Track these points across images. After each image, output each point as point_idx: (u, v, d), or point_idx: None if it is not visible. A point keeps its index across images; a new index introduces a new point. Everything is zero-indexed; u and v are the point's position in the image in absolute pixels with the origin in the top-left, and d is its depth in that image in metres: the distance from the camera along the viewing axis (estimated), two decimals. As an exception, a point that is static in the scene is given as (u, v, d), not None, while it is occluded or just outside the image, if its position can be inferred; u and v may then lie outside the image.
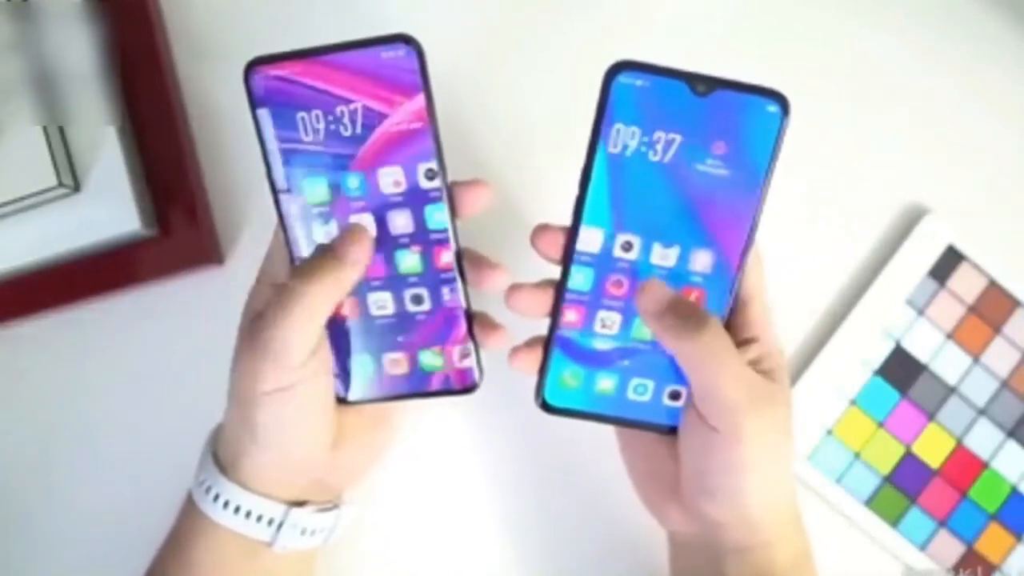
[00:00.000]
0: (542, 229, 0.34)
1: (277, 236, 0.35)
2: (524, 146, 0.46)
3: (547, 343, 0.34)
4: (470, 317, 0.35)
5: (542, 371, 0.35)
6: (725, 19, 0.47)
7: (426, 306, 0.34)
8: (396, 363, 0.35)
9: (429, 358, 0.35)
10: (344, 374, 0.35)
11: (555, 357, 0.34)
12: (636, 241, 0.33)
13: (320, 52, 0.32)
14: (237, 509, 0.34)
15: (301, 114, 0.33)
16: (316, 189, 0.33)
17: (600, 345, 0.34)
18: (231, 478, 0.35)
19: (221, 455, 0.35)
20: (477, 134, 0.45)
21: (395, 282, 0.34)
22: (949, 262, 0.45)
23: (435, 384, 0.35)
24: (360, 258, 0.33)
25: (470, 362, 0.35)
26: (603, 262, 0.33)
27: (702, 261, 0.33)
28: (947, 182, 0.47)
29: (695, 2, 0.47)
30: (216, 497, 0.34)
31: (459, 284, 0.34)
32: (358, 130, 0.33)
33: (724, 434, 0.32)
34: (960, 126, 0.47)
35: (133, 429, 0.44)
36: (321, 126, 0.33)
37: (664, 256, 0.33)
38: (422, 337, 0.35)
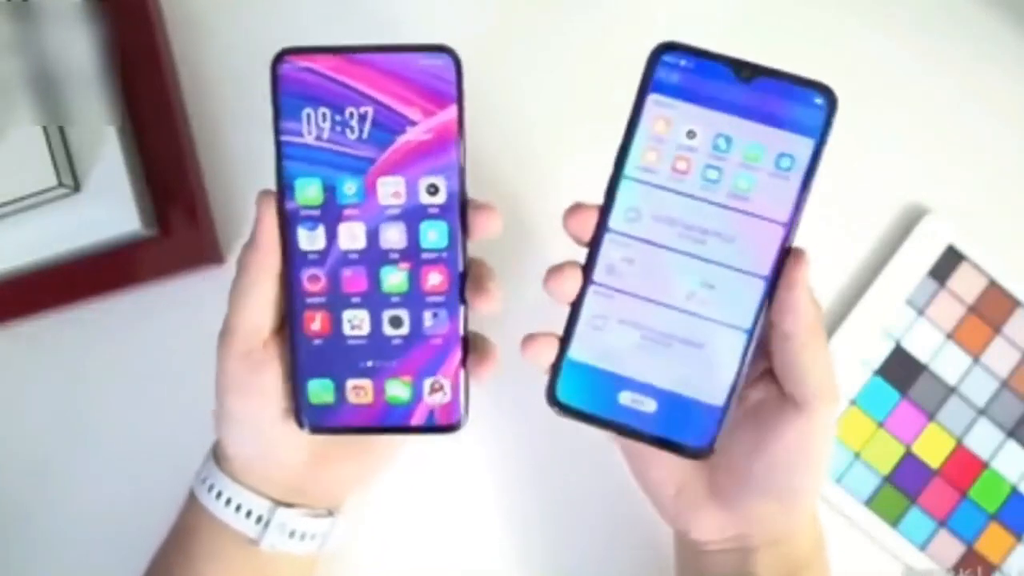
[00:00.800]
0: (577, 208, 0.32)
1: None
2: (524, 146, 0.46)
3: (566, 333, 0.32)
4: (466, 348, 0.32)
5: (556, 364, 0.32)
6: (725, 19, 0.47)
7: (404, 330, 0.32)
8: (361, 391, 0.32)
9: (396, 388, 0.32)
10: (303, 398, 0.33)
11: (576, 340, 0.32)
12: (674, 230, 0.32)
13: (354, 50, 0.31)
14: (228, 501, 0.35)
15: (323, 110, 0.31)
16: (317, 189, 0.32)
17: (626, 343, 0.32)
18: (224, 470, 0.35)
19: (219, 450, 0.36)
20: (477, 133, 0.45)
21: (375, 300, 0.32)
22: (949, 262, 0.45)
23: (416, 419, 0.32)
24: (261, 241, 0.32)
25: (459, 397, 0.32)
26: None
27: (741, 254, 0.32)
28: (947, 182, 0.47)
29: (695, 2, 0.47)
30: (211, 487, 0.35)
31: (460, 311, 0.32)
32: (383, 134, 0.31)
33: (814, 425, 0.32)
34: (960, 126, 0.47)
35: (133, 429, 0.44)
36: (349, 125, 0.31)
37: (702, 248, 0.32)
38: (399, 365, 0.32)
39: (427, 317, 0.32)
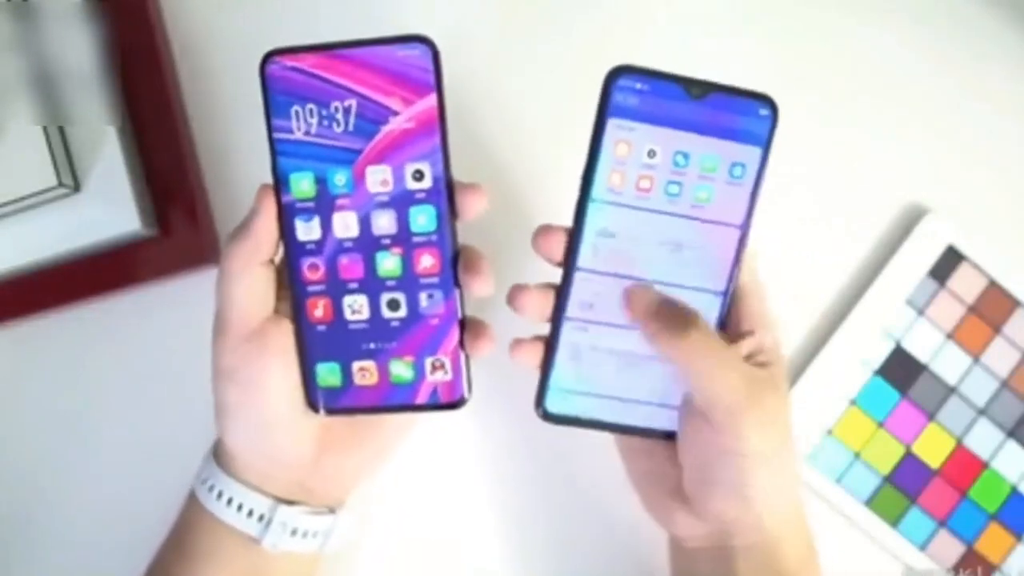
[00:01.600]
0: (545, 230, 0.33)
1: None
2: (524, 146, 0.46)
3: (548, 349, 0.34)
4: (463, 326, 0.34)
5: (543, 379, 0.34)
6: (725, 19, 0.47)
7: (401, 312, 0.33)
8: (366, 372, 0.34)
9: (399, 368, 0.34)
10: (313, 382, 0.34)
11: (558, 364, 0.34)
12: (640, 248, 0.33)
13: (336, 47, 0.32)
14: (230, 501, 0.35)
15: (311, 106, 0.32)
16: (310, 182, 0.33)
17: (602, 351, 0.34)
18: (224, 469, 0.35)
19: (220, 448, 0.36)
20: (476, 134, 0.45)
21: (372, 285, 0.33)
22: (949, 262, 0.45)
23: (421, 397, 0.34)
24: (256, 229, 0.33)
25: (460, 375, 0.34)
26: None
27: (699, 264, 0.34)
28: (947, 182, 0.47)
29: (695, 2, 0.47)
30: (211, 487, 0.35)
31: (455, 291, 0.33)
32: (368, 125, 0.32)
33: (723, 430, 0.32)
34: (960, 126, 0.47)
35: (133, 428, 0.44)
36: (335, 119, 0.32)
37: (664, 260, 0.34)
38: (399, 346, 0.34)
39: (423, 298, 0.33)
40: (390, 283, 0.33)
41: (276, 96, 0.33)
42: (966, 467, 0.45)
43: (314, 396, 0.34)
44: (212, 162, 0.45)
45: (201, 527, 0.35)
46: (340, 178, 0.33)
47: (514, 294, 0.33)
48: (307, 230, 0.33)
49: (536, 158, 0.46)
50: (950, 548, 0.44)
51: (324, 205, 0.33)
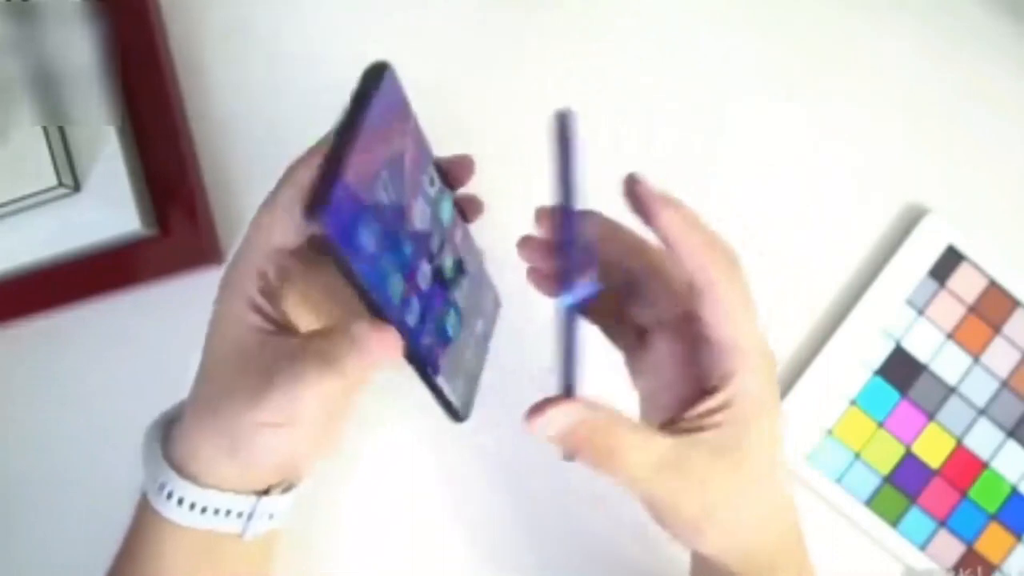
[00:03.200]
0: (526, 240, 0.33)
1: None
2: (520, 147, 0.46)
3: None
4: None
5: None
6: (725, 19, 0.47)
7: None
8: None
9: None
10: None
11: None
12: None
13: (346, 143, 0.26)
14: (204, 509, 0.33)
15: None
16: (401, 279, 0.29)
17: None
18: (195, 480, 0.33)
19: (179, 456, 0.34)
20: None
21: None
22: (949, 262, 0.45)
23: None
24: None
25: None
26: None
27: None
28: (947, 182, 0.47)
29: (695, 2, 0.47)
30: (180, 501, 0.33)
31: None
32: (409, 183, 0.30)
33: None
34: (961, 126, 0.47)
35: (133, 429, 0.44)
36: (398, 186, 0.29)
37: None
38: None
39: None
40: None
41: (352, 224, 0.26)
42: (966, 467, 0.45)
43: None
44: (212, 162, 0.45)
45: (167, 538, 0.34)
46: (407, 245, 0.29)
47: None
48: (413, 316, 0.29)
49: (532, 158, 0.46)
50: (950, 548, 0.44)
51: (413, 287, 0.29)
